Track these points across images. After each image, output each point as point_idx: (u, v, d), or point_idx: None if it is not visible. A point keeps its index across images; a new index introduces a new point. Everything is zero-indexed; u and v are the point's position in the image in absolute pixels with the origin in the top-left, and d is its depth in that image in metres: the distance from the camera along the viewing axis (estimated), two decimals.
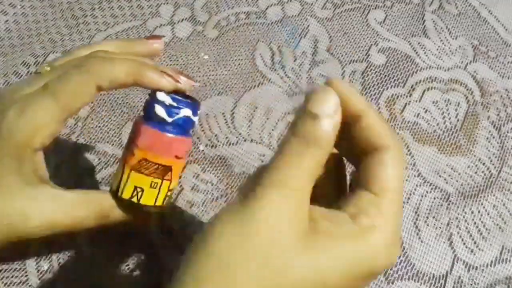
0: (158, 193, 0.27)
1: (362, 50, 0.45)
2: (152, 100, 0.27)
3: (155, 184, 0.27)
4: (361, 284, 0.21)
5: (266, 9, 0.46)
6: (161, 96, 0.27)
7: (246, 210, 0.19)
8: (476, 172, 0.40)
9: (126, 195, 0.27)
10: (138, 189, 0.27)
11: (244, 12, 0.46)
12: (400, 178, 0.21)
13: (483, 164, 0.40)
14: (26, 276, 0.33)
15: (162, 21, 0.44)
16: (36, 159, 0.26)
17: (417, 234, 0.37)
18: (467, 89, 0.44)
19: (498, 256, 0.37)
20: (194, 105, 0.28)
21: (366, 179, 0.22)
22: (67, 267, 0.34)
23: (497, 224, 0.38)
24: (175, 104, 0.27)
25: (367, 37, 0.45)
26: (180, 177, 0.29)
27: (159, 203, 0.28)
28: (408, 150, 0.40)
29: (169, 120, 0.27)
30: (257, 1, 0.46)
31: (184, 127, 0.27)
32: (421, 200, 0.38)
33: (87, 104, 0.27)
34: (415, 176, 0.39)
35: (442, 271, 0.36)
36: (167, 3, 0.46)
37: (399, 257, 0.36)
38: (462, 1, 0.49)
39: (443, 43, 0.46)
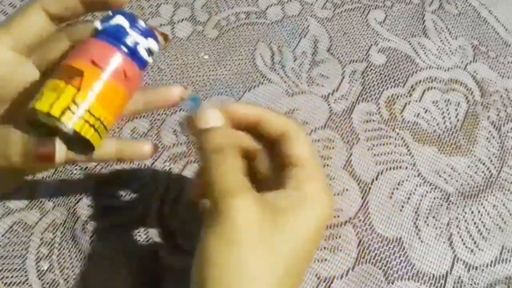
0: (57, 99, 0.23)
1: (362, 50, 0.45)
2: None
3: (56, 87, 0.23)
4: (324, 232, 0.27)
5: (266, 9, 0.46)
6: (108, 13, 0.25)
7: (224, 227, 0.23)
8: (476, 172, 0.40)
9: (38, 105, 0.23)
10: (41, 94, 0.23)
11: (244, 12, 0.46)
12: (305, 145, 0.28)
13: (483, 164, 0.40)
14: (26, 276, 0.33)
15: (162, 21, 0.44)
16: None
17: (417, 234, 0.37)
18: (467, 89, 0.44)
19: (498, 256, 0.37)
20: (132, 18, 0.25)
21: (285, 159, 0.27)
22: (67, 267, 0.34)
23: (497, 224, 0.38)
24: (110, 13, 0.25)
25: (367, 37, 0.45)
26: (99, 95, 0.24)
27: (54, 112, 0.23)
28: (408, 150, 0.40)
29: (100, 27, 0.25)
30: (257, 1, 0.46)
31: (112, 35, 0.25)
32: (421, 200, 0.38)
33: (39, 31, 0.25)
34: (415, 176, 0.39)
35: (442, 271, 0.36)
36: (167, 3, 0.46)
37: (399, 257, 0.36)
38: (462, 1, 0.49)
39: (443, 43, 0.46)
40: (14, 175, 0.28)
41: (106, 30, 0.25)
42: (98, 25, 0.25)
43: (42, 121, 0.24)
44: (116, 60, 0.25)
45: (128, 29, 0.25)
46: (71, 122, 0.23)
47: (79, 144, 0.24)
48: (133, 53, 0.25)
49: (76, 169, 0.37)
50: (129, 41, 0.25)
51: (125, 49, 0.25)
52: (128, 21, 0.25)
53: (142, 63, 0.26)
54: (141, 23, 0.26)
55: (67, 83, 0.23)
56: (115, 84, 0.24)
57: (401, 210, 0.38)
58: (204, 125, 0.26)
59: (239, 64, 0.43)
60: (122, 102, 0.26)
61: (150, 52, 0.26)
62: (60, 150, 0.24)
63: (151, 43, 0.26)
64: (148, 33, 0.26)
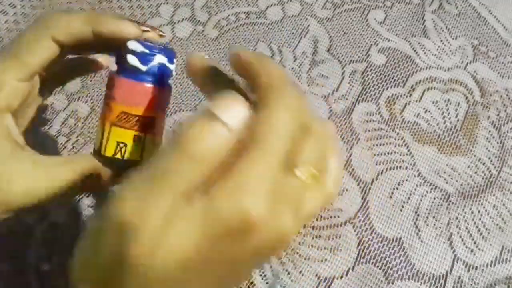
0: (143, 147, 0.26)
1: (362, 50, 0.45)
2: (123, 50, 0.25)
3: (138, 138, 0.25)
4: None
5: (266, 9, 0.46)
6: (132, 44, 0.25)
7: None
8: (476, 172, 0.40)
9: (109, 152, 0.25)
10: (121, 145, 0.25)
11: (244, 12, 0.46)
12: (273, 133, 0.20)
13: (483, 164, 0.40)
14: (26, 276, 0.33)
15: (162, 21, 0.44)
16: (6, 122, 0.25)
17: (417, 234, 0.37)
18: (467, 89, 0.44)
19: (498, 256, 0.37)
20: (168, 51, 0.26)
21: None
22: (67, 267, 0.34)
23: (497, 224, 0.38)
24: (147, 51, 0.25)
25: (367, 37, 0.45)
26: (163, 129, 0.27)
27: (133, 157, 0.26)
28: (408, 150, 0.40)
29: (144, 68, 0.25)
30: (257, 1, 0.46)
31: (160, 75, 0.26)
32: (421, 200, 0.38)
33: (48, 60, 0.25)
34: (415, 176, 0.39)
35: (442, 271, 0.36)
36: (167, 3, 0.46)
37: (399, 257, 0.36)
38: (462, 1, 0.49)
39: (443, 43, 0.46)
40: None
41: (152, 72, 0.25)
42: (136, 63, 0.25)
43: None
44: (169, 96, 0.27)
45: (167, 64, 0.26)
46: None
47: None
48: (164, 84, 0.27)
49: None
50: (171, 75, 0.27)
51: (170, 84, 0.27)
52: (166, 57, 0.26)
53: (167, 85, 0.28)
54: (175, 55, 0.27)
55: (146, 133, 0.26)
56: (163, 116, 0.27)
57: (401, 210, 0.38)
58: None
59: None
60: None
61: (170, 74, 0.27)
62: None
63: (172, 67, 0.27)
64: (172, 56, 0.27)
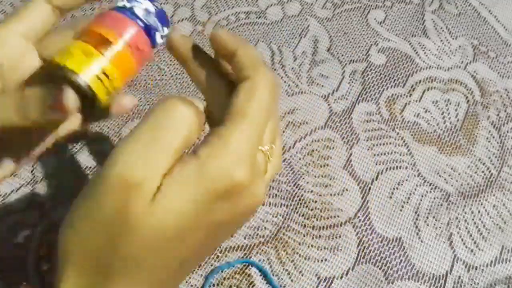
0: (85, 61, 0.25)
1: (362, 50, 0.45)
2: None
3: (88, 52, 0.25)
4: (220, 204, 0.20)
5: (266, 9, 0.46)
6: None
7: None
8: (476, 172, 0.40)
9: (58, 59, 0.25)
10: (70, 54, 0.25)
11: (244, 12, 0.46)
12: (255, 107, 0.21)
13: (483, 164, 0.40)
14: (26, 276, 0.33)
15: None
16: None
17: (417, 234, 0.37)
18: (467, 89, 0.44)
19: (498, 256, 0.37)
20: (161, 12, 0.27)
21: (230, 107, 0.22)
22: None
23: (497, 224, 0.38)
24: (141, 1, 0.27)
25: (367, 37, 0.45)
26: (127, 75, 0.27)
27: (78, 69, 0.25)
28: (408, 150, 0.40)
29: (128, 5, 0.26)
30: (257, 1, 0.46)
31: (133, 12, 0.26)
32: (421, 200, 0.38)
33: (45, 23, 0.26)
34: (415, 176, 0.39)
35: (442, 271, 0.36)
36: (167, 3, 0.46)
37: (399, 256, 0.36)
38: (462, 1, 0.49)
39: (443, 43, 0.46)
40: (26, 141, 0.28)
41: (134, 11, 0.27)
42: (125, 3, 0.27)
43: (59, 76, 0.25)
44: (133, 31, 0.27)
45: (151, 11, 0.27)
46: (88, 78, 0.25)
47: (87, 105, 0.26)
48: (148, 30, 0.27)
49: (76, 168, 0.37)
50: (148, 20, 0.27)
51: (141, 24, 0.27)
52: (153, 7, 0.27)
53: (154, 43, 0.28)
54: (162, 11, 0.28)
55: (98, 50, 0.25)
56: (129, 54, 0.27)
57: (401, 210, 0.38)
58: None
59: None
60: (131, 73, 0.28)
61: (161, 37, 0.28)
62: (71, 99, 0.25)
63: (165, 31, 0.28)
64: (166, 22, 0.28)
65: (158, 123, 0.20)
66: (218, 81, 0.24)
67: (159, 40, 0.28)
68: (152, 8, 0.27)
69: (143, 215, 0.19)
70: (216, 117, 0.23)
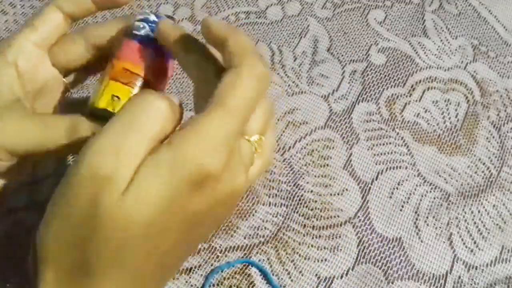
0: (118, 101, 0.26)
1: (362, 50, 0.45)
2: (134, 20, 0.27)
3: (124, 92, 0.26)
4: (193, 194, 0.20)
5: (266, 9, 0.46)
6: (144, 13, 0.27)
7: None
8: (476, 172, 0.40)
9: (101, 104, 0.26)
10: (115, 98, 0.26)
11: (244, 12, 0.46)
12: (237, 95, 0.21)
13: (483, 164, 0.40)
14: (26, 276, 0.33)
15: None
16: (10, 75, 0.26)
17: (417, 234, 0.37)
18: (467, 89, 0.44)
19: (498, 256, 0.37)
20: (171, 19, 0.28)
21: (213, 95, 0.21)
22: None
23: (497, 224, 0.38)
24: (157, 20, 0.26)
25: (367, 37, 0.45)
26: None
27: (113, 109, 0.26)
28: (408, 150, 0.40)
29: (151, 34, 0.26)
30: (257, 1, 0.46)
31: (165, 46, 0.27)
32: (421, 200, 0.38)
33: (57, 31, 0.27)
34: (415, 176, 0.39)
35: (442, 271, 0.36)
36: (167, 2, 0.46)
37: (399, 256, 0.36)
38: (462, 1, 0.49)
39: (443, 43, 0.46)
40: (21, 167, 0.28)
41: (152, 37, 0.27)
42: (147, 30, 0.27)
43: (102, 114, 0.26)
44: (157, 61, 0.27)
45: None
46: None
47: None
48: (169, 53, 0.27)
49: None
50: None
51: (164, 51, 0.27)
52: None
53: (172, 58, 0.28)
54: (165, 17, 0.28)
55: (129, 86, 0.26)
56: (155, 80, 0.27)
57: (401, 210, 0.38)
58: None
59: None
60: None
61: None
62: None
63: None
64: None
65: (131, 115, 0.20)
66: (208, 70, 0.24)
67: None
68: None
69: (114, 207, 0.18)
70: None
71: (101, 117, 0.25)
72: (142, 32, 0.26)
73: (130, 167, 0.19)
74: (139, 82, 0.26)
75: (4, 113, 0.25)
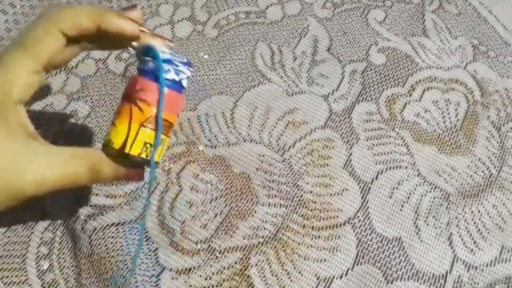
0: (162, 149, 0.28)
1: (362, 50, 0.45)
2: (154, 56, 0.27)
3: (162, 140, 0.27)
4: None
5: (266, 8, 0.46)
6: (166, 54, 0.27)
7: None
8: (476, 172, 0.40)
9: (135, 151, 0.27)
10: (148, 145, 0.27)
11: (244, 12, 0.46)
12: None
13: (483, 164, 0.40)
14: (26, 275, 0.34)
15: (162, 20, 0.44)
16: (20, 114, 0.26)
17: (417, 233, 0.37)
18: (467, 89, 0.44)
19: (498, 255, 0.37)
20: (189, 64, 0.28)
21: None
22: (67, 267, 0.34)
23: (497, 224, 0.38)
24: (179, 64, 0.27)
25: (367, 37, 0.45)
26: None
27: (157, 159, 0.28)
28: (408, 150, 0.40)
29: (177, 79, 0.27)
30: (257, 0, 0.46)
31: (184, 86, 0.28)
32: (421, 200, 0.38)
33: (57, 52, 0.26)
34: (415, 175, 0.39)
35: (442, 271, 0.36)
36: (167, 2, 0.46)
37: (399, 256, 0.36)
38: (462, 1, 0.49)
39: (443, 43, 0.46)
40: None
41: (181, 83, 0.28)
42: (173, 75, 0.27)
43: (138, 161, 0.28)
44: (182, 103, 0.29)
45: (190, 77, 0.29)
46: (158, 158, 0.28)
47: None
48: (183, 88, 0.29)
49: None
50: (185, 82, 0.28)
51: (183, 91, 0.29)
52: (190, 71, 0.28)
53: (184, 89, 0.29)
54: (183, 58, 0.28)
55: (167, 136, 0.28)
56: (177, 118, 0.29)
57: (401, 210, 0.38)
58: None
59: (238, 63, 0.43)
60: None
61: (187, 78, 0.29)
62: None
63: (188, 72, 0.29)
64: (188, 64, 0.29)
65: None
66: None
67: (186, 85, 0.29)
68: (189, 73, 0.28)
69: None
70: None
71: (129, 160, 0.27)
72: (169, 76, 0.27)
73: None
74: (166, 126, 0.27)
75: (25, 154, 0.25)
